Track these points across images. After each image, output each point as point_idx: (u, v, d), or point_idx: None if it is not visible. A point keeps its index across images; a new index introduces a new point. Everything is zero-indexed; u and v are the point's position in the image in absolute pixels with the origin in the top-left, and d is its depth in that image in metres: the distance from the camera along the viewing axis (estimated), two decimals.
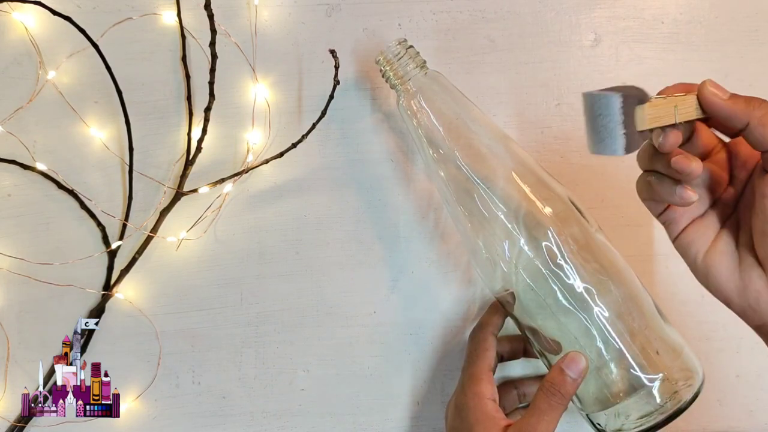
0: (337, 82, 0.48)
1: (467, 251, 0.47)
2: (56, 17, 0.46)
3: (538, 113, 0.51)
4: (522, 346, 0.48)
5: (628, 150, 0.34)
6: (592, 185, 0.51)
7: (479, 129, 0.44)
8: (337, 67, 0.48)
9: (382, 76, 0.46)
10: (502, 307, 0.46)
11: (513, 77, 0.51)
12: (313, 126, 0.48)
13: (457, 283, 0.50)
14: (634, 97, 0.34)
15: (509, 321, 0.46)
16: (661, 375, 0.40)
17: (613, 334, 0.41)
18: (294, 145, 0.49)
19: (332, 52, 0.47)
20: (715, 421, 0.50)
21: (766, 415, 0.50)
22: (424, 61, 0.45)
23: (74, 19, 0.46)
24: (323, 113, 0.48)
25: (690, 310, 0.51)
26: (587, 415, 0.42)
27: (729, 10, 0.53)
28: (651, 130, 0.34)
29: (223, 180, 0.48)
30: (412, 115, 0.45)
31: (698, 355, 0.42)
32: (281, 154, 0.49)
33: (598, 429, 0.42)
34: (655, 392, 0.40)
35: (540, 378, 0.48)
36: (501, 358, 0.47)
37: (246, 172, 0.49)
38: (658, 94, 0.35)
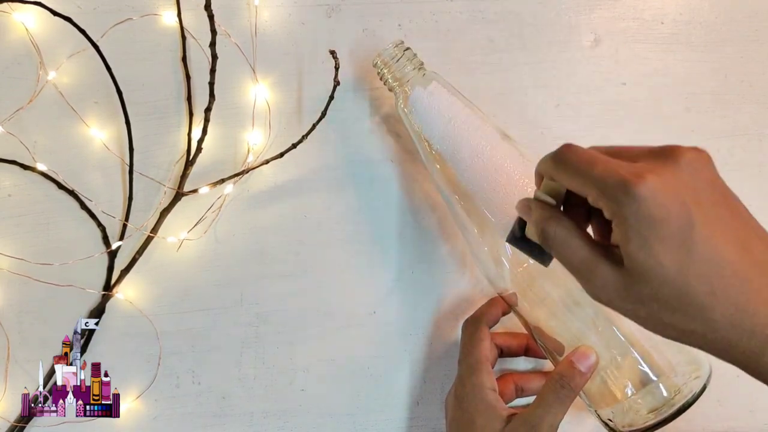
0: (337, 83, 0.48)
1: (470, 251, 0.47)
2: (56, 18, 0.46)
3: (538, 114, 0.51)
4: (524, 344, 0.47)
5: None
6: None
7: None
8: (337, 68, 0.48)
9: (380, 79, 0.46)
10: (506, 305, 0.46)
11: (513, 78, 0.51)
12: (314, 126, 0.48)
13: (457, 283, 0.50)
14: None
15: (512, 318, 0.46)
16: (668, 369, 0.40)
17: (618, 331, 0.41)
18: (294, 146, 0.49)
19: (332, 52, 0.47)
20: (715, 421, 0.50)
21: (766, 415, 0.50)
22: (422, 63, 0.45)
23: (74, 19, 0.46)
24: (323, 114, 0.48)
25: None
26: (596, 411, 0.42)
27: (729, 10, 0.53)
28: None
29: (223, 180, 0.48)
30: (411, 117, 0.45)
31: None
32: (281, 155, 0.49)
33: (607, 425, 0.41)
34: (663, 386, 0.40)
35: (539, 372, 0.48)
36: (501, 352, 0.47)
37: (246, 173, 0.49)
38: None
